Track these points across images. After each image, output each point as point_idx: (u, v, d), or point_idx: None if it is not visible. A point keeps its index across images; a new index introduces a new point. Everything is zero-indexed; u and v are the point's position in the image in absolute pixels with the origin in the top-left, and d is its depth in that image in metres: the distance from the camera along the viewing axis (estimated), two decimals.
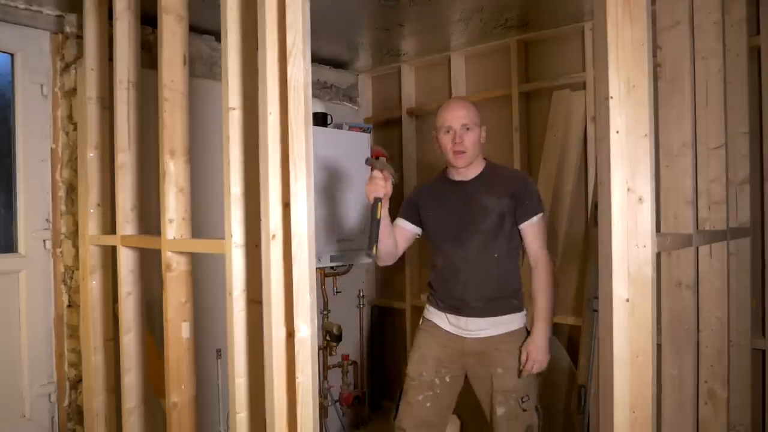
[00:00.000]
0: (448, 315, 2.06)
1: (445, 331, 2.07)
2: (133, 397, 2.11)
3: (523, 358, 1.97)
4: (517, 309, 2.04)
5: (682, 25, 1.74)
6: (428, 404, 2.05)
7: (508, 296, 2.03)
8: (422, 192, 2.18)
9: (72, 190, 2.57)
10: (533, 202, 2.00)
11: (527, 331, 2.03)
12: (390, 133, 3.72)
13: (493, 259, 2.00)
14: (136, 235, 2.11)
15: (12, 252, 2.55)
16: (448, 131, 1.99)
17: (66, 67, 2.57)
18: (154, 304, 2.32)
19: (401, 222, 2.14)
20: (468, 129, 1.97)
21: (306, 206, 1.42)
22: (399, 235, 2.09)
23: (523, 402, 1.98)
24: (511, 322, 2.02)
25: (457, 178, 2.07)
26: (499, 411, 1.98)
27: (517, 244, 2.05)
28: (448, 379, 2.07)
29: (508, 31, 3.00)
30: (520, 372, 1.97)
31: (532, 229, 2.00)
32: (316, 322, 1.42)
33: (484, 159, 2.10)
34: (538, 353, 1.95)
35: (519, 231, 2.02)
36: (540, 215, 2.00)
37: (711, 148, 1.96)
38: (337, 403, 3.41)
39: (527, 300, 2.08)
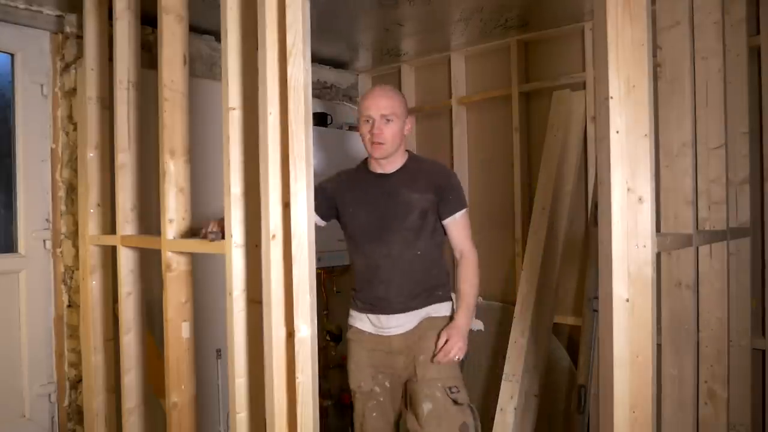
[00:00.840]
0: (369, 316, 1.96)
1: (369, 333, 1.97)
2: (133, 397, 2.11)
3: (441, 341, 1.85)
4: (440, 299, 1.95)
5: (682, 25, 1.74)
6: (374, 414, 1.95)
7: (432, 289, 1.95)
8: (341, 185, 2.04)
9: (72, 190, 2.57)
10: (457, 197, 1.92)
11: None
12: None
13: (416, 256, 1.92)
14: (136, 235, 2.11)
15: (12, 252, 2.55)
16: (367, 120, 1.88)
17: (66, 67, 2.57)
18: (154, 304, 2.32)
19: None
20: (388, 120, 1.86)
21: (306, 206, 1.42)
22: None
23: (452, 392, 1.84)
24: (435, 310, 1.94)
25: (378, 170, 1.97)
26: (426, 407, 1.83)
27: (441, 239, 1.98)
28: (387, 384, 1.97)
29: (508, 31, 3.00)
30: (434, 356, 1.84)
31: (455, 225, 1.93)
32: (316, 322, 1.42)
33: (407, 151, 2.00)
34: (458, 337, 1.84)
35: (442, 226, 1.95)
36: (463, 211, 1.94)
37: (711, 148, 1.96)
38: (337, 403, 3.41)
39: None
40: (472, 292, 1.91)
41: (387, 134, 1.86)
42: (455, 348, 1.84)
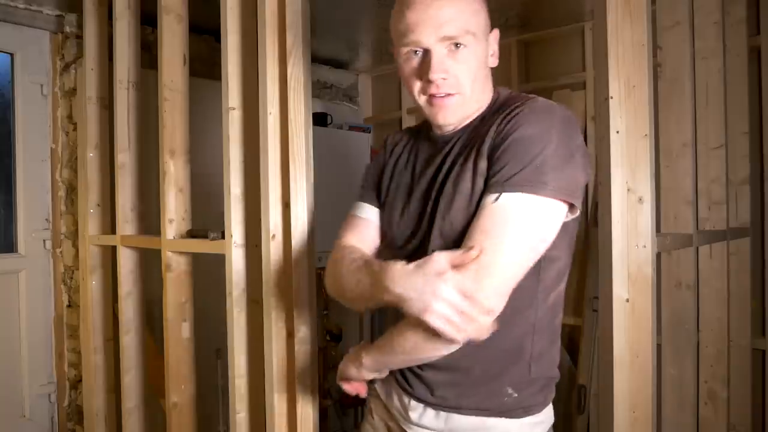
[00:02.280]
0: (394, 387, 1.10)
1: (382, 403, 1.15)
2: (133, 397, 2.11)
3: None
4: (509, 409, 1.01)
5: (682, 25, 1.74)
6: None
7: (506, 376, 0.99)
8: (395, 149, 1.19)
9: (72, 190, 2.57)
10: (519, 162, 0.90)
11: None
12: (390, 133, 3.71)
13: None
14: (136, 235, 2.11)
15: (12, 252, 2.55)
16: (415, 52, 0.97)
17: (66, 67, 2.57)
18: (154, 304, 2.32)
19: (364, 211, 1.15)
20: (458, 46, 0.95)
21: (306, 206, 1.42)
22: (359, 233, 1.14)
23: None
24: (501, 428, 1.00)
25: (437, 130, 1.07)
26: None
27: (552, 267, 0.99)
28: None
29: (508, 31, 3.00)
30: None
31: (491, 213, 0.93)
32: (316, 322, 1.42)
33: (496, 89, 1.07)
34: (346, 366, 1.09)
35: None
36: (521, 195, 0.89)
37: (711, 148, 1.96)
38: (338, 403, 3.41)
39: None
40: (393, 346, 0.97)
41: (460, 75, 0.96)
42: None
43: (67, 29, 2.55)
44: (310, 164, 1.41)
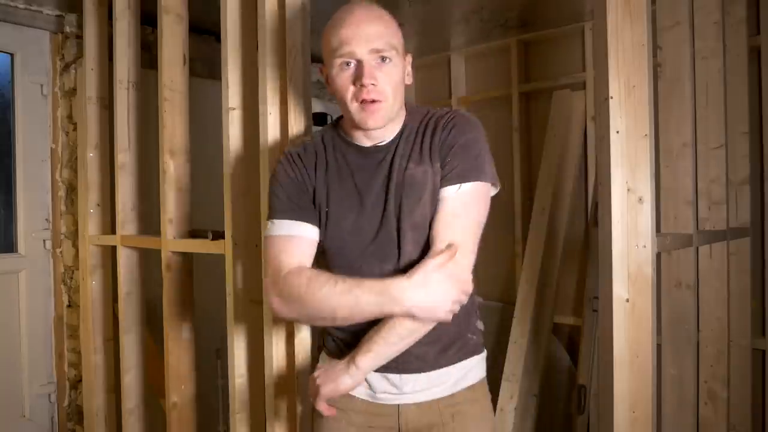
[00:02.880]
0: (377, 379, 1.20)
1: (362, 400, 1.21)
2: (133, 397, 2.11)
3: None
4: (474, 349, 1.24)
5: (682, 25, 1.74)
6: None
7: (463, 326, 1.22)
8: (308, 163, 1.20)
9: (72, 190, 2.57)
10: (468, 160, 1.13)
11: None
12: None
13: None
14: (136, 235, 2.11)
15: (12, 252, 2.55)
16: (347, 63, 1.10)
17: (66, 67, 2.57)
18: (154, 304, 2.32)
19: (299, 229, 1.17)
20: (384, 59, 1.09)
21: None
22: (302, 252, 1.16)
23: None
24: (470, 370, 1.23)
25: (366, 142, 1.18)
26: None
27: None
28: None
29: (508, 31, 3.00)
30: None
31: (451, 203, 1.14)
32: None
33: (405, 105, 1.20)
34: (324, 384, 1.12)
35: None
36: (474, 184, 1.13)
37: (711, 148, 1.96)
38: None
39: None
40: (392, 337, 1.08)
41: (386, 85, 1.09)
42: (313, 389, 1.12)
43: (67, 29, 2.55)
44: None
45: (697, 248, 1.90)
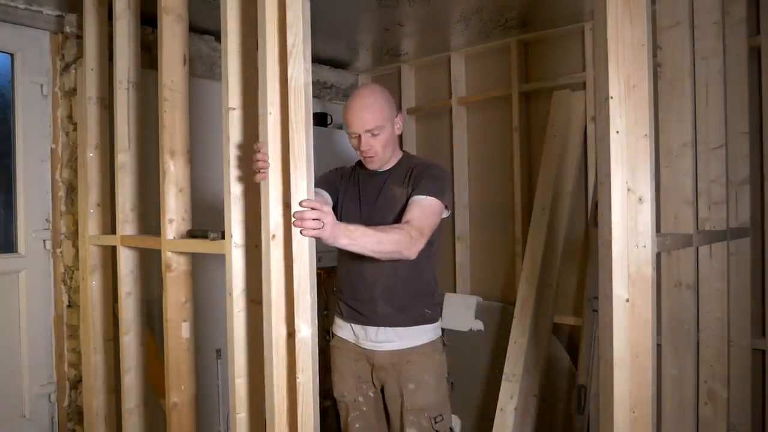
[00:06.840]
0: (353, 325, 1.91)
1: (353, 344, 1.94)
2: (133, 397, 2.11)
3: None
4: (429, 320, 1.89)
5: (682, 25, 1.74)
6: (357, 425, 1.94)
7: (420, 303, 1.87)
8: (342, 177, 1.99)
9: (72, 190, 2.57)
10: (432, 184, 1.77)
11: (443, 343, 1.92)
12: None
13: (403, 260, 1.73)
14: (136, 235, 2.11)
15: (12, 252, 2.55)
16: (354, 136, 1.80)
17: (66, 67, 2.57)
18: (154, 304, 2.32)
19: (319, 191, 1.85)
20: (375, 135, 1.77)
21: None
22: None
23: (436, 422, 1.85)
24: (423, 333, 1.87)
25: (372, 168, 1.90)
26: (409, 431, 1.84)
27: (432, 248, 1.85)
28: (371, 394, 1.94)
29: (508, 31, 3.00)
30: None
31: (417, 204, 1.73)
32: (316, 322, 1.42)
33: (402, 151, 1.94)
34: (334, 227, 1.44)
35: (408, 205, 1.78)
36: (433, 199, 1.74)
37: (711, 148, 1.97)
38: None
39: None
40: (378, 236, 1.57)
41: (377, 147, 1.80)
42: (307, 222, 1.37)
43: (67, 29, 2.55)
44: (310, 164, 1.41)
45: (697, 248, 1.90)
